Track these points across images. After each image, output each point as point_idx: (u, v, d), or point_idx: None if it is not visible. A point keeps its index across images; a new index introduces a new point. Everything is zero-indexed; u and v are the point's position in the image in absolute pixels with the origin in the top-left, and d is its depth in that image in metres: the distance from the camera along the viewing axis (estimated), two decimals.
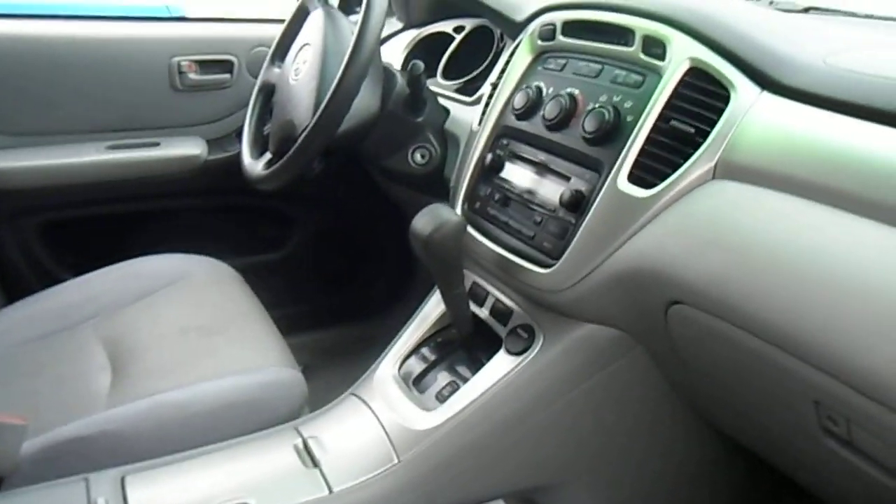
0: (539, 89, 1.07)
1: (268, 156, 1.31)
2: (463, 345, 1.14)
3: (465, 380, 1.07)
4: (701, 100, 0.85)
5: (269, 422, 1.09)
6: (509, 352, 1.03)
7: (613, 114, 0.92)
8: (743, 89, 0.83)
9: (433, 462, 1.00)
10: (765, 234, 0.75)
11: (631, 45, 0.96)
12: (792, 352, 0.71)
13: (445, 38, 1.52)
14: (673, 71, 0.88)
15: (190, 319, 1.30)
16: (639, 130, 0.89)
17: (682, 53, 0.88)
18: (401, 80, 1.30)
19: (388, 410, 1.07)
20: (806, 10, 1.27)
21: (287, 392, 1.17)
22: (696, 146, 0.83)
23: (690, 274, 0.81)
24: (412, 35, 1.61)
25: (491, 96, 1.18)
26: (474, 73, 1.37)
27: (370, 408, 1.09)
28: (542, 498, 1.11)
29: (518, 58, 1.14)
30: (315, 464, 0.99)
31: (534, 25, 1.14)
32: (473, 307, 1.12)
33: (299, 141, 1.16)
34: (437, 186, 1.32)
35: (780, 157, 0.77)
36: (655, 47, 0.92)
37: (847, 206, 0.70)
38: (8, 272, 1.65)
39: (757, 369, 0.78)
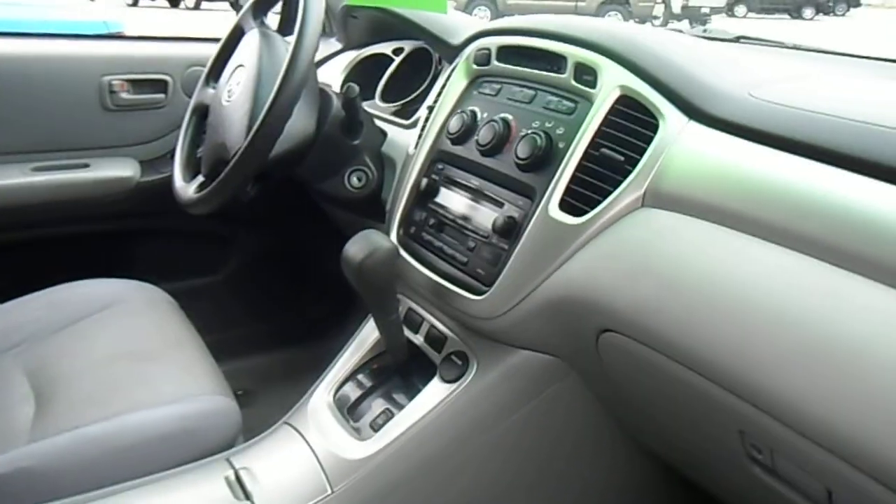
0: (474, 114, 1.06)
1: (200, 178, 1.28)
2: (398, 371, 1.12)
3: (401, 407, 1.05)
4: (630, 128, 0.86)
5: (201, 453, 1.06)
6: (443, 379, 1.02)
7: (545, 140, 0.92)
8: (671, 118, 0.83)
9: (368, 492, 0.98)
10: (690, 264, 0.76)
11: (563, 72, 0.96)
12: (716, 381, 0.71)
13: (384, 60, 1.51)
14: (603, 98, 0.89)
15: (119, 346, 1.25)
16: (570, 157, 0.89)
17: (612, 81, 0.89)
18: (337, 103, 1.29)
19: (321, 440, 1.05)
20: (737, 39, 1.30)
21: (220, 421, 1.13)
22: (626, 174, 0.84)
23: (619, 302, 0.81)
24: (351, 56, 1.60)
25: (427, 120, 1.17)
26: (412, 96, 1.37)
27: (304, 437, 1.07)
28: None
29: (454, 82, 1.14)
30: (247, 496, 0.96)
31: (470, 49, 1.14)
32: (408, 333, 1.11)
33: (230, 165, 1.13)
34: (374, 209, 1.31)
35: (706, 186, 0.78)
36: (587, 74, 0.93)
37: (770, 236, 0.70)
38: None
39: (684, 398, 0.79)
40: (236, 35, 1.38)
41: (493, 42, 1.09)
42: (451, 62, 1.22)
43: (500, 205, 0.97)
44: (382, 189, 1.29)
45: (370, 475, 0.99)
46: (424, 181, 1.09)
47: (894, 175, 0.64)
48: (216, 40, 1.45)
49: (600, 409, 1.03)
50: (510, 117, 1.00)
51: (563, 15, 1.08)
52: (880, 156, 0.66)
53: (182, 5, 16.31)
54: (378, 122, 1.36)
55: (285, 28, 1.40)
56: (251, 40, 1.30)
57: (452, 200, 1.06)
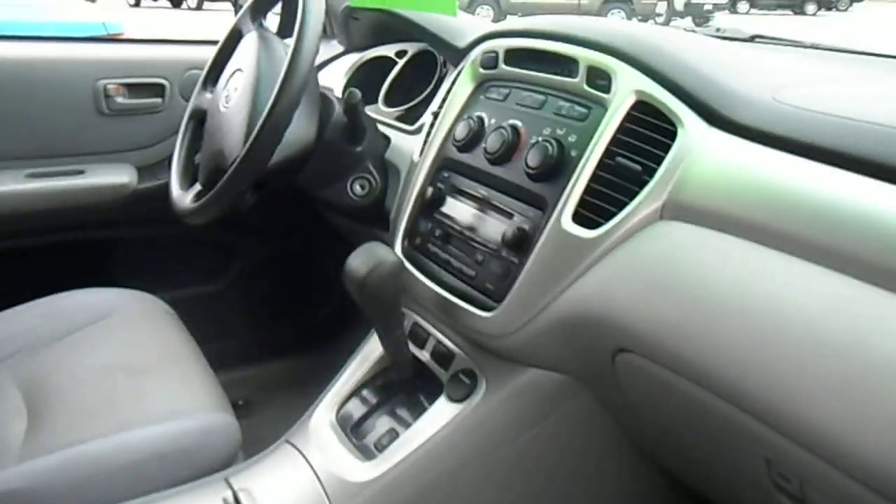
0: (481, 120, 1.02)
1: (197, 187, 1.24)
2: (404, 388, 1.08)
3: (407, 426, 1.01)
4: (647, 135, 0.81)
5: (199, 472, 1.01)
6: (451, 398, 0.97)
7: (557, 148, 0.88)
8: (690, 125, 0.79)
9: None
10: (713, 281, 0.71)
11: (575, 76, 0.91)
12: (742, 407, 0.66)
13: (387, 63, 1.47)
14: (618, 104, 0.84)
15: (115, 359, 1.21)
16: (583, 167, 0.84)
17: (627, 86, 0.84)
18: (339, 108, 1.24)
19: (323, 460, 1.01)
20: (752, 39, 1.25)
21: (218, 439, 1.09)
22: (643, 184, 0.79)
23: (637, 321, 0.76)
24: (353, 59, 1.56)
25: (432, 126, 1.13)
26: (416, 101, 1.32)
27: (305, 457, 1.03)
28: None
29: (460, 86, 1.10)
30: None
31: (476, 52, 1.09)
32: (414, 349, 1.06)
33: (228, 174, 1.09)
34: (378, 218, 1.26)
35: (729, 197, 0.73)
36: (600, 79, 0.88)
37: (801, 252, 0.66)
38: None
39: (707, 422, 0.74)
40: (234, 38, 1.33)
41: (501, 45, 1.05)
42: (456, 65, 1.18)
43: (510, 216, 0.92)
44: (386, 197, 1.25)
45: (374, 498, 0.94)
46: (430, 190, 1.05)
47: None
48: (215, 43, 1.41)
49: (615, 426, 0.98)
50: (519, 124, 0.96)
51: (573, 16, 1.03)
52: None
53: (184, 5, 16.32)
54: (381, 128, 1.32)
55: (285, 30, 1.36)
56: (249, 43, 1.26)
57: (459, 211, 1.01)
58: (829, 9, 16.40)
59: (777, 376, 0.63)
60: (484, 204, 0.98)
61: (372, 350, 1.11)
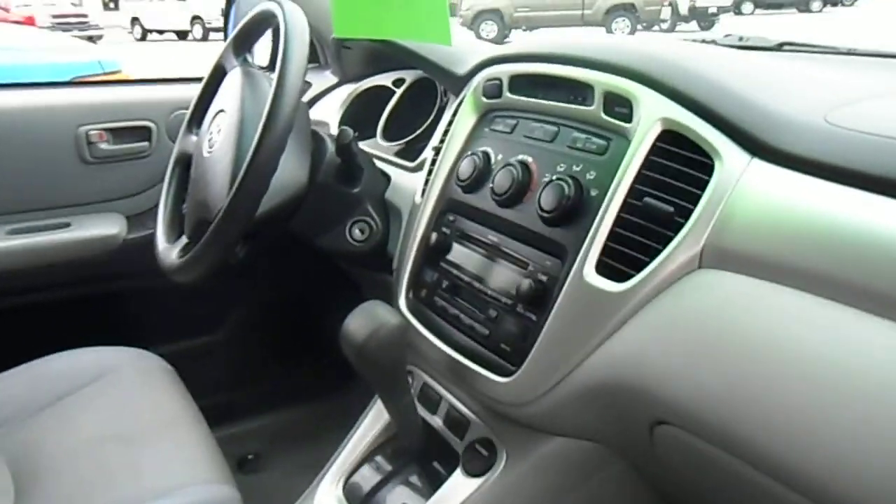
0: (486, 156, 0.91)
1: (184, 240, 1.14)
2: (416, 456, 0.97)
3: (422, 500, 0.90)
4: (679, 170, 0.70)
5: None
6: (468, 472, 0.86)
7: (574, 188, 0.77)
8: (729, 157, 0.68)
9: None
10: (766, 342, 0.60)
11: (590, 104, 0.81)
12: (803, 492, 0.56)
13: (385, 93, 1.37)
14: (642, 135, 0.73)
15: (109, 427, 1.13)
16: (606, 209, 0.73)
17: (652, 114, 0.73)
18: (331, 147, 1.14)
19: None
20: (780, 47, 1.14)
21: None
22: (677, 228, 0.68)
23: (677, 391, 0.65)
24: (349, 90, 1.46)
25: (434, 162, 1.02)
26: (416, 133, 1.22)
27: None
28: None
29: (461, 118, 0.99)
30: None
31: (477, 80, 0.99)
32: (424, 413, 0.95)
33: (211, 227, 0.98)
34: (380, 263, 1.16)
35: (780, 241, 0.62)
36: (619, 106, 0.77)
37: (869, 305, 0.55)
38: None
39: (758, 502, 0.63)
40: (217, 75, 1.24)
41: (505, 70, 0.94)
42: (457, 94, 1.07)
43: (524, 266, 0.81)
44: (388, 240, 1.15)
45: None
46: (434, 236, 0.94)
47: None
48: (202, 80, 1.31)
49: (652, 495, 0.87)
50: (530, 160, 0.85)
51: (584, 35, 0.92)
52: None
53: (189, 37, 16.43)
54: (380, 164, 1.21)
55: (275, 65, 1.26)
56: (233, 81, 1.16)
57: (467, 259, 0.90)
58: (834, 5, 16.22)
59: (839, 453, 0.52)
60: (494, 251, 0.87)
61: (377, 418, 1.00)
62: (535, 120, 0.88)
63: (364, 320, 0.79)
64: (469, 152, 0.93)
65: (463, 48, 1.13)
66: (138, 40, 17.36)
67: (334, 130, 1.39)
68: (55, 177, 1.46)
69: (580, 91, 0.83)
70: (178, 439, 1.11)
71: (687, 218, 0.68)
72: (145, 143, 1.53)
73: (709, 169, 0.68)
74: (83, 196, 1.50)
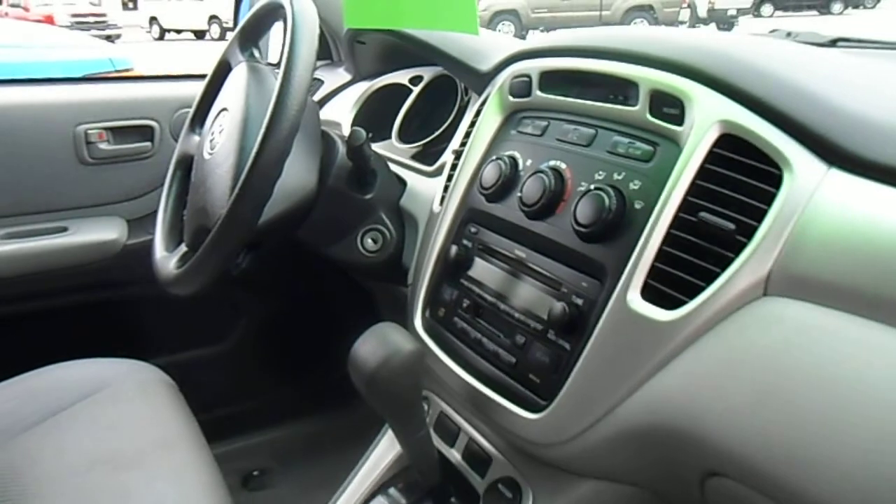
0: (514, 161, 0.82)
1: (183, 248, 1.05)
2: (431, 494, 0.87)
3: None
4: (740, 181, 0.60)
5: None
6: None
7: (616, 199, 0.67)
8: (802, 166, 0.58)
9: None
10: (846, 384, 0.50)
11: (634, 104, 0.71)
12: None
13: (402, 91, 1.28)
14: (697, 140, 0.63)
15: (101, 448, 1.05)
16: (654, 224, 0.64)
17: (708, 115, 0.64)
18: (342, 149, 1.05)
19: None
20: (834, 43, 1.04)
21: None
22: (739, 248, 0.58)
23: (737, 440, 0.55)
24: (363, 88, 1.37)
25: (454, 168, 0.93)
26: (435, 134, 1.13)
27: None
28: None
29: (485, 119, 0.90)
30: None
31: (503, 77, 0.89)
32: (441, 445, 0.86)
33: (210, 236, 0.90)
34: (394, 276, 1.07)
35: (864, 266, 0.53)
36: (669, 106, 0.67)
37: None
38: None
39: None
40: (222, 71, 1.15)
41: (535, 66, 0.85)
42: (479, 93, 0.98)
43: (556, 286, 0.72)
44: (403, 251, 1.06)
45: None
46: (453, 248, 0.85)
47: None
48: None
49: None
50: (563, 166, 0.76)
51: (625, 26, 0.82)
52: None
53: (207, 36, 16.46)
54: (395, 168, 1.12)
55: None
56: (238, 77, 1.07)
57: (491, 276, 0.81)
58: (855, 7, 15.98)
59: None
60: (521, 268, 0.77)
61: (387, 449, 0.91)
62: (569, 122, 0.79)
63: (375, 346, 0.70)
64: (494, 157, 0.84)
65: (486, 43, 1.03)
66: (156, 40, 17.40)
67: (346, 131, 1.30)
68: (52, 179, 1.39)
69: (622, 89, 0.73)
70: (175, 461, 1.03)
71: (751, 237, 0.58)
72: (147, 144, 1.45)
73: (777, 180, 0.58)
74: (81, 199, 1.42)
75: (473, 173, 0.87)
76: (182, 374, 1.22)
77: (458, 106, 1.13)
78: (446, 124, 1.12)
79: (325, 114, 1.35)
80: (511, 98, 0.87)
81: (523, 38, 0.97)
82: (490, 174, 0.83)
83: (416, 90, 1.25)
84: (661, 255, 0.63)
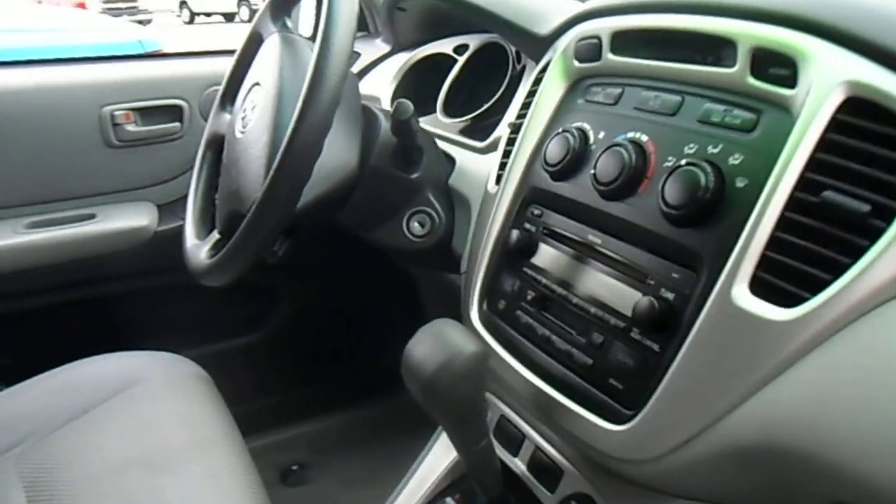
0: (583, 134, 0.72)
1: (215, 235, 0.98)
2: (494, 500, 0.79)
3: None
4: (875, 154, 0.50)
5: None
6: None
7: (713, 177, 0.57)
8: None
9: None
10: None
11: (730, 64, 0.61)
12: None
13: (446, 62, 1.18)
14: (817, 105, 0.53)
15: (134, 448, 1.00)
16: (764, 206, 0.53)
17: (829, 75, 0.53)
18: (386, 125, 0.96)
19: None
20: None
21: None
22: (876, 234, 0.48)
23: (877, 467, 0.46)
24: (403, 60, 1.27)
25: (511, 143, 0.83)
26: (485, 107, 1.03)
27: None
28: None
29: (547, 87, 0.80)
30: None
31: (566, 40, 0.79)
32: (503, 454, 0.77)
33: (245, 222, 0.82)
34: (444, 262, 0.98)
35: None
36: (776, 66, 0.57)
37: None
38: None
39: None
40: (253, 44, 1.07)
41: (605, 26, 0.74)
42: (537, 60, 0.88)
43: (641, 277, 0.62)
44: (454, 236, 0.97)
45: None
46: (514, 233, 0.76)
47: None
48: None
49: None
50: (645, 138, 0.66)
51: None
52: None
53: (237, 19, 16.46)
54: (443, 145, 1.03)
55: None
56: (270, 50, 0.99)
57: (558, 264, 0.72)
58: None
59: None
60: (596, 256, 0.68)
61: (441, 457, 0.83)
62: (649, 88, 0.69)
63: (433, 347, 0.61)
64: (560, 129, 0.74)
65: (543, 2, 0.93)
66: (186, 23, 17.45)
67: (386, 106, 1.21)
68: (77, 163, 1.32)
69: (714, 48, 0.63)
70: (211, 462, 0.98)
71: (891, 221, 0.48)
72: (177, 124, 1.38)
73: None
74: (109, 184, 1.36)
75: (535, 148, 0.78)
76: (216, 366, 1.18)
77: (511, 75, 1.03)
78: (497, 95, 1.02)
79: (364, 88, 1.26)
80: (577, 63, 0.77)
81: None
82: (556, 149, 0.73)
83: (462, 60, 1.15)
84: (773, 243, 0.53)
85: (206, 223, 1.04)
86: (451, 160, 1.01)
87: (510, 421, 0.80)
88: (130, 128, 1.33)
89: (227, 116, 1.09)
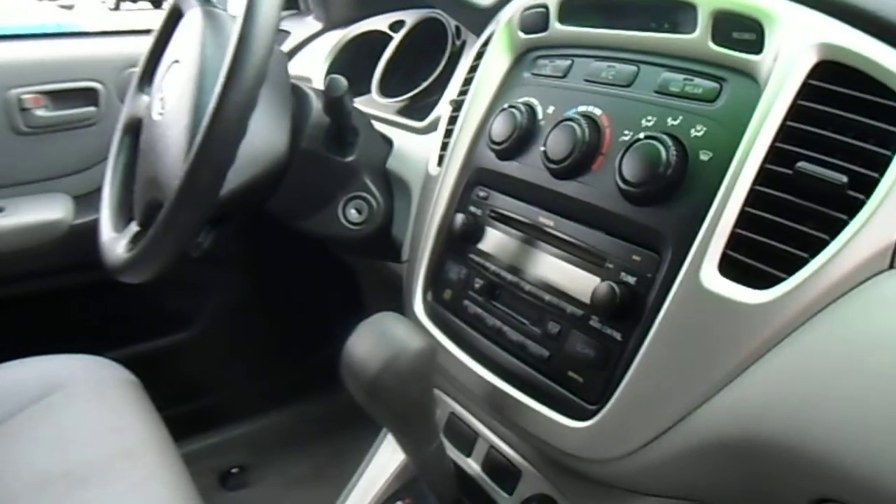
0: (531, 109, 0.67)
1: (134, 227, 0.90)
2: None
3: None
4: (852, 121, 0.46)
5: None
6: None
7: (675, 150, 0.53)
8: None
9: None
10: None
11: (689, 30, 0.56)
12: None
13: (381, 39, 1.12)
14: (786, 71, 0.49)
15: (55, 461, 0.94)
16: (732, 180, 0.49)
17: (799, 38, 0.49)
18: (318, 104, 0.90)
19: None
20: None
21: None
22: (854, 207, 0.45)
23: (863, 459, 0.42)
24: (336, 38, 1.21)
25: (453, 121, 0.78)
26: (423, 86, 0.98)
27: None
28: None
29: (490, 61, 0.75)
30: None
31: (510, 10, 0.74)
32: (455, 454, 0.72)
33: (164, 212, 0.74)
34: (385, 250, 0.93)
35: None
36: (741, 31, 0.53)
37: None
38: None
39: None
40: (173, 19, 0.99)
41: None
42: (478, 33, 0.83)
43: (599, 261, 0.58)
44: (393, 223, 0.91)
45: None
46: (459, 218, 0.71)
47: None
48: None
49: None
50: (597, 112, 0.61)
51: None
52: None
53: (164, 5, 16.00)
54: (379, 126, 0.97)
55: None
56: (191, 25, 0.91)
57: (508, 249, 0.67)
58: None
59: None
60: (548, 239, 0.63)
61: (389, 458, 0.77)
62: (601, 58, 0.64)
63: (375, 344, 0.55)
64: (505, 105, 0.69)
65: None
66: (112, 10, 16.89)
67: (319, 86, 1.14)
68: None
69: (670, 13, 0.58)
70: (139, 472, 0.92)
71: (870, 192, 0.44)
72: (92, 109, 1.29)
73: None
74: (19, 174, 1.26)
75: (479, 126, 0.73)
76: (144, 368, 1.11)
77: (450, 52, 0.98)
78: (436, 73, 0.97)
79: (294, 68, 1.19)
80: (522, 35, 0.72)
81: None
82: (501, 126, 0.68)
83: (398, 37, 1.10)
84: (743, 220, 0.49)
85: (124, 214, 0.96)
86: (388, 142, 0.96)
87: (461, 419, 0.75)
88: (41, 112, 1.23)
89: (145, 98, 1.01)
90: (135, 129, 1.01)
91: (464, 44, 0.96)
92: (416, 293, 0.75)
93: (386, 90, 1.05)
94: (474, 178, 0.72)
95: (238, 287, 1.52)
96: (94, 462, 0.93)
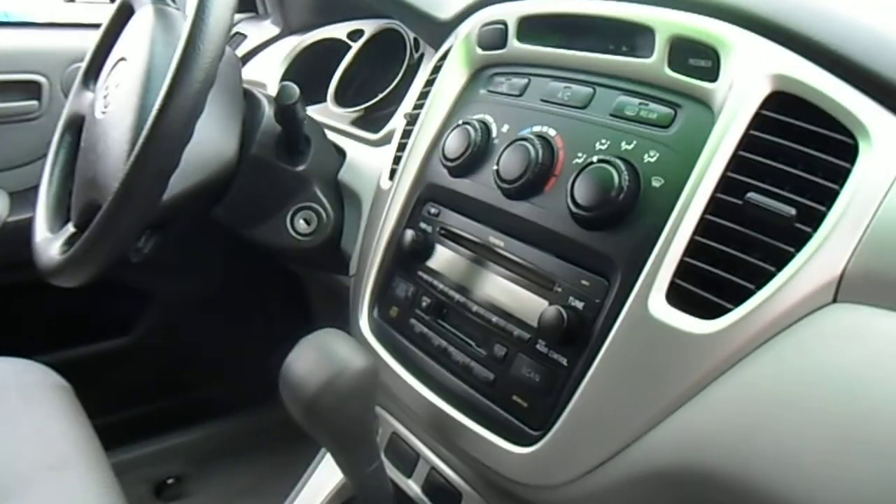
0: (486, 127, 0.66)
1: (70, 229, 0.86)
2: None
3: None
4: (802, 153, 0.46)
5: None
6: None
7: (627, 175, 0.53)
8: (884, 134, 0.44)
9: None
10: None
11: (647, 55, 0.56)
12: None
13: (338, 47, 1.10)
14: (739, 100, 0.49)
15: None
16: (683, 208, 0.49)
17: (753, 68, 0.49)
18: (270, 111, 0.88)
19: None
20: None
21: None
22: (802, 241, 0.45)
23: (805, 491, 0.42)
24: (293, 44, 1.19)
25: (407, 135, 0.77)
26: (379, 97, 0.96)
27: None
28: None
29: (447, 76, 0.74)
30: None
31: (469, 26, 0.73)
32: (395, 475, 0.70)
33: (101, 214, 0.71)
34: (332, 263, 0.91)
35: None
36: (697, 57, 0.53)
37: None
38: None
39: None
40: (123, 15, 0.96)
41: (511, 11, 0.69)
42: (436, 46, 0.82)
43: (549, 285, 0.57)
44: (343, 235, 0.89)
45: None
46: (409, 234, 0.69)
47: None
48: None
49: None
50: (552, 133, 0.60)
51: None
52: None
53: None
54: (332, 136, 0.96)
55: None
56: (141, 22, 0.89)
57: (457, 269, 0.65)
58: None
59: None
60: (498, 260, 0.62)
61: (326, 478, 0.75)
62: (557, 78, 0.64)
63: (315, 362, 0.54)
64: (460, 121, 0.68)
65: None
66: (67, 1, 16.52)
67: (273, 92, 1.12)
68: None
69: (629, 37, 0.58)
70: (67, 481, 0.88)
71: (817, 226, 0.44)
72: (34, 103, 1.25)
73: (851, 151, 0.45)
74: None
75: (433, 142, 0.72)
76: (77, 374, 1.07)
77: (408, 64, 0.97)
78: (393, 85, 0.95)
79: (248, 73, 1.17)
80: (480, 50, 0.71)
81: None
82: (455, 142, 0.67)
83: (356, 46, 1.08)
84: (692, 249, 0.48)
85: (61, 215, 0.93)
86: (341, 153, 0.94)
87: (403, 439, 0.73)
88: None
89: (89, 95, 0.98)
90: (77, 126, 0.98)
91: (422, 56, 0.95)
92: (362, 309, 0.74)
93: (341, 100, 1.04)
94: (426, 194, 0.71)
95: (179, 295, 1.48)
96: (18, 473, 0.88)
